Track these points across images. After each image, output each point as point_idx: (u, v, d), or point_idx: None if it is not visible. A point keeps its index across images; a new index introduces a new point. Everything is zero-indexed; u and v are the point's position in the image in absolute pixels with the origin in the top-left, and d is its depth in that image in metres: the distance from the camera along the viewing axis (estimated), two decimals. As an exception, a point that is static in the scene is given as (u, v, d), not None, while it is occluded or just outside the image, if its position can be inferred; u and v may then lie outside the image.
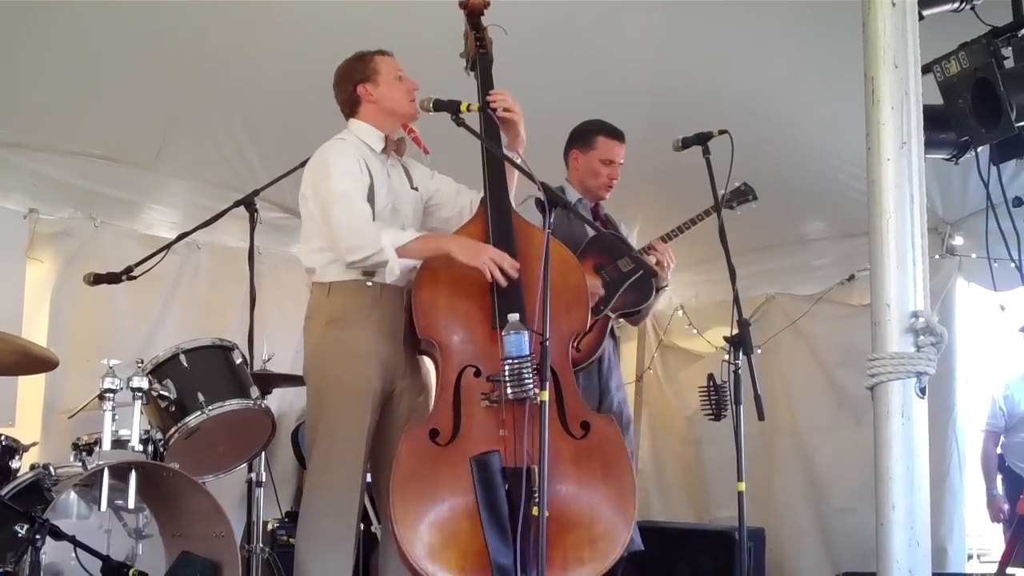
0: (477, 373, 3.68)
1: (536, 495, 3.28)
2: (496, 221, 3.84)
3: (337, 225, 3.78)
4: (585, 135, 4.83)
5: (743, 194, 4.79)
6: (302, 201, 3.98)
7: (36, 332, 5.40)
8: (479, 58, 4.03)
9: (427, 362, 4.05)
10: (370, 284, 3.84)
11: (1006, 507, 6.52)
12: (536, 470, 3.30)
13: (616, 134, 4.80)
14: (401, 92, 3.99)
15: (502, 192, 3.90)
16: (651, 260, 4.62)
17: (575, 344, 4.28)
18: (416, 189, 4.14)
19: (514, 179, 4.03)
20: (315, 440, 3.88)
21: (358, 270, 3.83)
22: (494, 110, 3.92)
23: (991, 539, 7.03)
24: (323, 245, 3.90)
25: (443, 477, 3.54)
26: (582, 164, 4.80)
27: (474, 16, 4.00)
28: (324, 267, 3.92)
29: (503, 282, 3.64)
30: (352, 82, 4.03)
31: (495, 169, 3.89)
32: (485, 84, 4.01)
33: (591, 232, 4.71)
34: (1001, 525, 6.62)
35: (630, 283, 4.66)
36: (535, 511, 3.24)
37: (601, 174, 4.77)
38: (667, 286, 4.87)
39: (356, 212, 3.78)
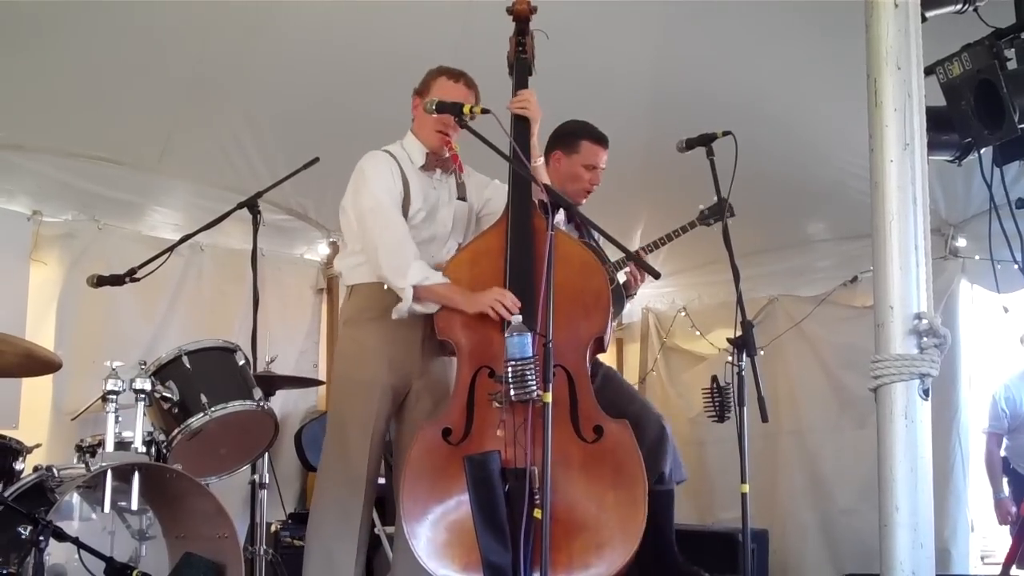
0: (491, 374, 3.72)
1: (537, 496, 3.29)
2: (516, 226, 3.85)
3: (374, 239, 3.89)
4: (569, 138, 4.73)
5: (720, 211, 4.64)
6: (342, 212, 4.08)
7: (41, 334, 5.39)
8: (516, 61, 4.05)
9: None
10: (387, 288, 3.89)
11: (1014, 510, 6.49)
12: (536, 471, 3.32)
13: (601, 139, 4.72)
14: (429, 122, 3.99)
15: (524, 197, 3.90)
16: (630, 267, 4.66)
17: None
18: (463, 199, 4.17)
19: (543, 176, 4.03)
20: (327, 435, 4.03)
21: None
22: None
23: (995, 540, 7.01)
24: (353, 250, 4.02)
25: (452, 475, 3.57)
26: (564, 167, 4.71)
27: (521, 21, 4.04)
28: (349, 271, 4.07)
29: (507, 316, 3.65)
30: (415, 90, 4.10)
31: (517, 175, 3.90)
32: (519, 86, 4.03)
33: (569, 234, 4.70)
34: (1008, 528, 6.59)
35: None
36: (537, 513, 3.25)
37: (583, 179, 4.70)
38: (634, 295, 4.87)
39: (393, 228, 3.88)
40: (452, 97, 3.92)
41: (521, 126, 3.94)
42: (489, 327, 3.76)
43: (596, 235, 4.79)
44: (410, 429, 3.94)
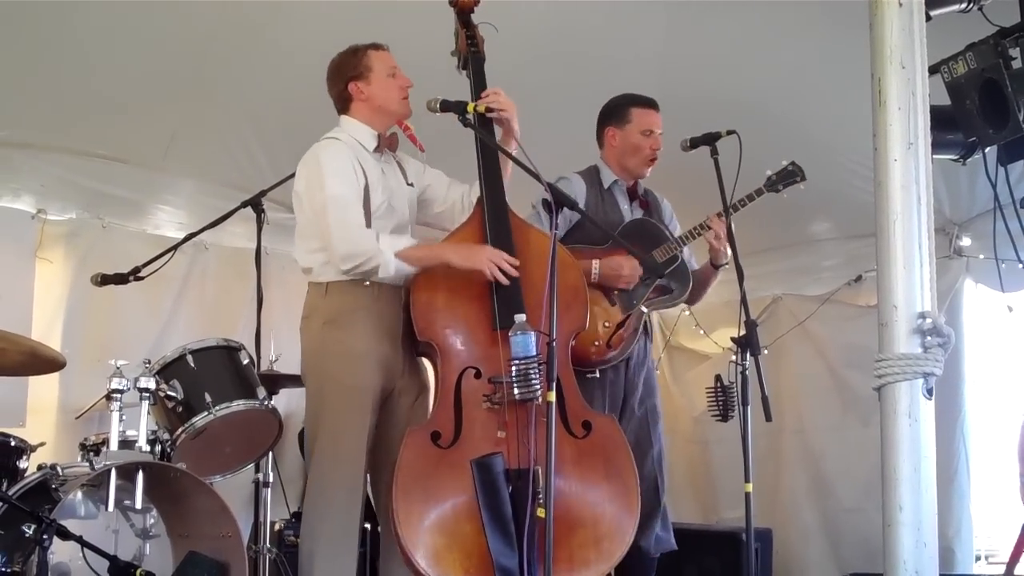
0: (477, 375, 3.69)
1: (541, 496, 3.28)
2: (493, 222, 3.84)
3: (332, 232, 3.79)
4: (617, 110, 4.68)
5: (790, 175, 4.57)
6: (296, 199, 3.99)
7: (49, 332, 5.41)
8: (471, 57, 4.02)
9: (426, 362, 4.05)
10: (367, 284, 3.83)
11: None
12: (540, 471, 3.31)
13: (650, 103, 4.65)
14: (394, 90, 3.96)
15: (498, 192, 3.89)
16: (710, 235, 4.49)
17: (607, 341, 4.27)
18: (411, 185, 4.13)
19: (507, 174, 4.00)
20: (316, 440, 3.87)
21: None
22: (491, 109, 3.91)
23: (999, 540, 6.99)
24: (319, 245, 3.90)
25: (445, 480, 3.55)
26: (620, 141, 4.65)
27: (464, 14, 3.99)
28: (321, 267, 3.92)
29: (504, 281, 3.66)
30: (344, 79, 4.02)
31: (491, 169, 3.89)
32: (478, 83, 4.00)
33: (627, 217, 4.65)
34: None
35: (667, 273, 4.53)
36: (541, 513, 3.24)
37: (643, 148, 4.60)
38: (727, 263, 4.58)
39: (351, 219, 3.78)
40: (392, 63, 3.98)
41: (490, 123, 3.93)
42: (474, 326, 3.74)
43: (667, 214, 4.75)
44: (394, 429, 3.89)
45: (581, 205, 4.51)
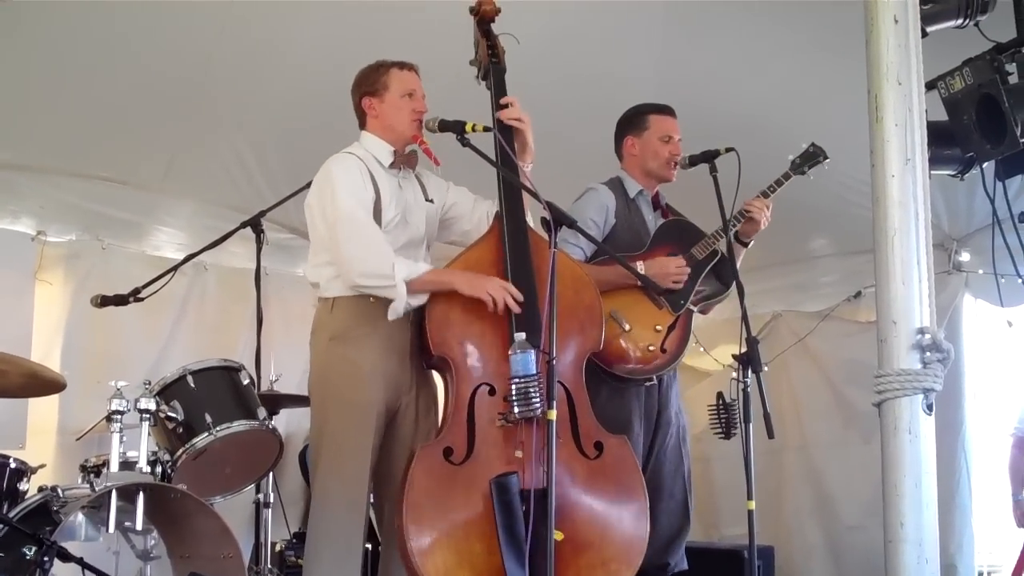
0: (492, 392, 3.63)
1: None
2: (512, 239, 3.79)
3: (347, 248, 3.75)
4: (635, 118, 4.66)
5: (812, 156, 4.51)
6: (308, 211, 3.93)
7: (46, 354, 5.41)
8: (492, 68, 3.98)
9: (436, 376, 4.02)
10: (373, 300, 3.76)
11: None
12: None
13: (667, 109, 4.63)
14: (404, 112, 3.92)
15: (518, 209, 3.85)
16: (751, 214, 4.40)
17: (661, 345, 4.22)
18: (431, 201, 4.08)
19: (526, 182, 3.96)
20: (319, 458, 3.81)
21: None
22: (502, 121, 3.89)
23: (1001, 555, 6.97)
24: (327, 260, 3.85)
25: (457, 496, 3.50)
26: (640, 149, 4.60)
27: (484, 23, 3.95)
28: (328, 282, 3.87)
29: (516, 308, 3.61)
30: (359, 93, 4.01)
31: (510, 185, 3.84)
32: (499, 94, 3.95)
33: (651, 228, 4.57)
34: None
35: (708, 270, 4.45)
36: (558, 535, 3.22)
37: (662, 153, 4.54)
38: (750, 243, 4.56)
39: (367, 235, 3.74)
40: (412, 85, 3.94)
41: (509, 135, 3.90)
42: (489, 342, 3.68)
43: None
44: (397, 445, 3.84)
45: (612, 215, 4.51)
